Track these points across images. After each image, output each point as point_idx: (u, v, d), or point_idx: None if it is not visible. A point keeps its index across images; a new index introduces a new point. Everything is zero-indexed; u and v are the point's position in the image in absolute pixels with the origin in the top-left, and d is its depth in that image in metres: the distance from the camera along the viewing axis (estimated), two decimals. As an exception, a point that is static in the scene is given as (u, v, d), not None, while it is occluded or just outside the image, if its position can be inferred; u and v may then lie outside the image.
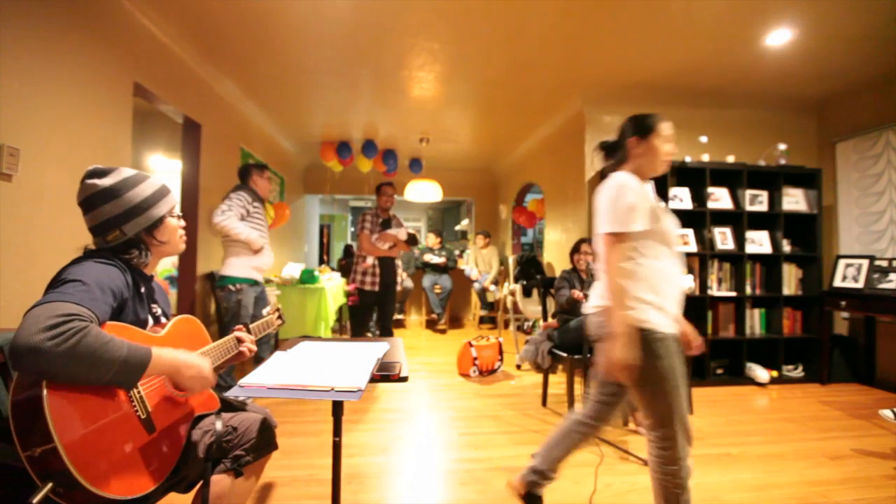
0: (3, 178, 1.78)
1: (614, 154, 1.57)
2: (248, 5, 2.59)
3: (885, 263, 3.30)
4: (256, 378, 1.13)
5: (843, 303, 3.39)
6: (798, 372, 3.70)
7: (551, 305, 3.20)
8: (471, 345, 3.77)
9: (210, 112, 3.54)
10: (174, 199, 1.20)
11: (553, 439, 1.62)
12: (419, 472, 2.08)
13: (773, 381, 3.56)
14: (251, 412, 1.28)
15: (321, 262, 9.10)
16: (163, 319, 1.20)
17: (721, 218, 3.70)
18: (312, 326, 3.98)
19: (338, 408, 1.18)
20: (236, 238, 2.88)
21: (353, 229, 10.82)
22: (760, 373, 3.53)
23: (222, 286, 2.93)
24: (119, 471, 0.89)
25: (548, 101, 4.13)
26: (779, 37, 2.88)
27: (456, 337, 5.54)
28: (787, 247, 3.73)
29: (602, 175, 3.90)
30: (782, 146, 3.79)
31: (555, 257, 4.88)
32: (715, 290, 3.61)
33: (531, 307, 4.61)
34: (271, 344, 3.07)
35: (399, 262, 3.82)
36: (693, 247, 3.61)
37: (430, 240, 6.38)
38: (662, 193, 3.54)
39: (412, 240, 3.79)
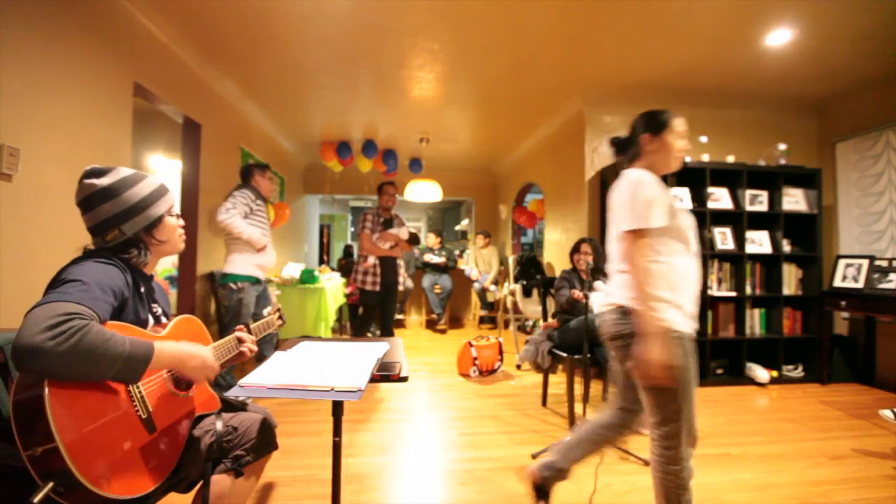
0: (3, 178, 1.78)
1: (626, 151, 1.55)
2: (248, 5, 2.59)
3: (885, 263, 3.30)
4: (256, 378, 1.13)
5: (843, 303, 3.39)
6: (798, 372, 3.70)
7: (551, 305, 3.20)
8: (471, 345, 3.77)
9: (210, 112, 3.54)
10: (172, 199, 1.21)
11: (575, 439, 1.61)
12: (419, 472, 2.08)
13: (773, 381, 3.56)
14: (251, 412, 1.28)
15: (321, 262, 9.10)
16: (163, 319, 1.20)
17: (721, 218, 3.70)
18: (312, 326, 3.99)
19: (338, 408, 1.18)
20: (239, 236, 2.89)
21: (353, 229, 10.82)
22: (760, 373, 3.53)
23: (224, 284, 2.94)
24: (120, 470, 0.89)
25: (548, 101, 4.13)
26: (779, 37, 2.88)
27: (456, 337, 5.54)
28: (787, 247, 3.73)
29: (602, 176, 3.91)
30: (782, 146, 3.79)
31: (555, 257, 4.89)
32: (715, 290, 3.61)
33: (531, 307, 4.61)
34: (274, 343, 3.07)
35: (401, 262, 3.80)
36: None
37: (430, 240, 6.38)
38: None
39: (414, 239, 3.79)
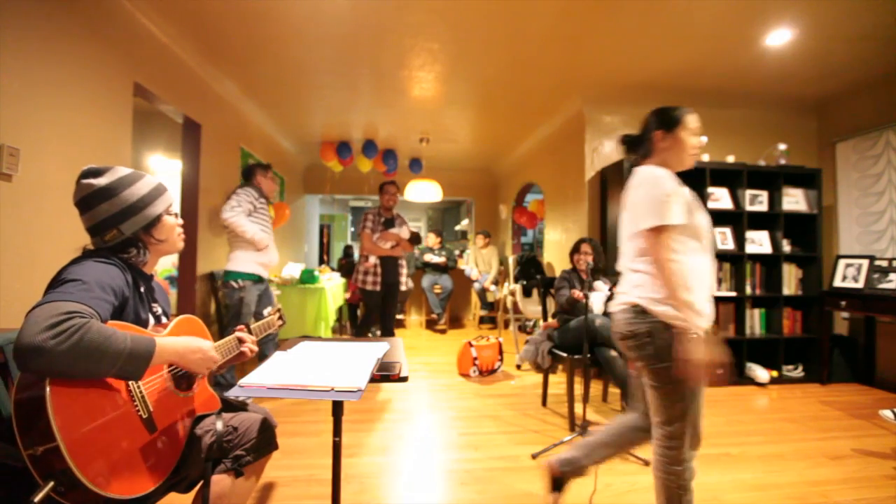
0: (3, 178, 1.78)
1: (637, 148, 1.52)
2: (248, 5, 2.59)
3: (885, 263, 3.30)
4: (256, 378, 1.13)
5: (843, 303, 3.39)
6: (798, 372, 3.70)
7: (551, 305, 3.20)
8: (471, 345, 3.77)
9: (210, 112, 3.54)
10: (171, 198, 1.21)
11: (600, 439, 1.58)
12: (419, 472, 2.09)
13: (773, 381, 3.56)
14: (251, 412, 1.28)
15: (321, 262, 9.10)
16: (163, 319, 1.20)
17: (721, 218, 3.70)
18: (312, 326, 3.99)
19: (338, 408, 1.18)
20: (242, 235, 2.90)
21: (353, 229, 10.82)
22: (760, 373, 3.53)
23: (226, 282, 2.95)
24: (120, 470, 0.89)
25: (548, 101, 4.13)
26: (779, 37, 2.88)
27: (456, 337, 5.54)
28: (787, 247, 3.73)
29: (602, 176, 3.91)
30: (782, 146, 3.79)
31: (555, 257, 4.89)
32: (715, 290, 3.61)
33: (531, 307, 4.61)
34: (276, 342, 3.08)
35: (403, 262, 3.78)
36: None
37: (430, 240, 6.38)
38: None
39: (415, 238, 3.78)
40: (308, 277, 4.15)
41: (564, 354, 2.69)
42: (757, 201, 3.71)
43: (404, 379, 1.30)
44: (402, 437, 2.46)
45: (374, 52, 3.19)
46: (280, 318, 1.63)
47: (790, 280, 3.72)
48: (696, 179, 3.65)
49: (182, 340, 1.04)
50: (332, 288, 4.40)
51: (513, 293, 4.78)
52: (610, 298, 2.90)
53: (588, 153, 3.97)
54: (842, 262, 3.55)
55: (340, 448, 1.20)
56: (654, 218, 1.29)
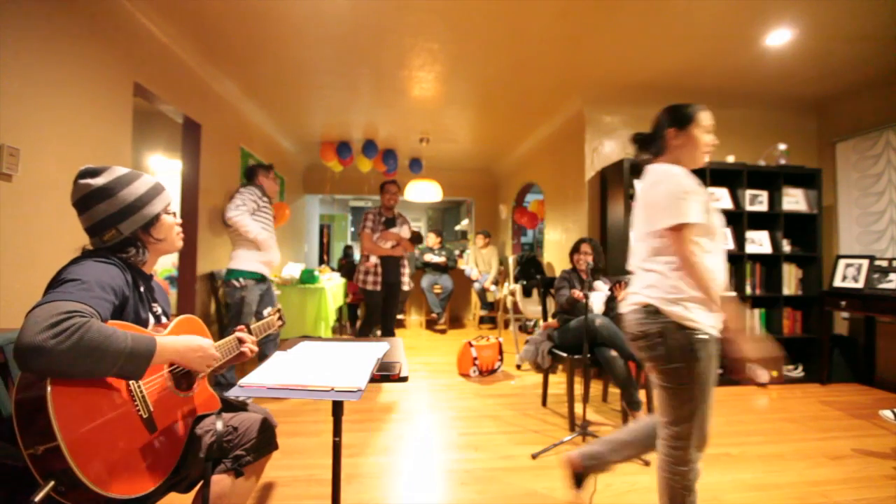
0: (3, 178, 1.78)
1: (649, 147, 1.50)
2: (248, 5, 2.59)
3: (885, 263, 3.30)
4: (256, 378, 1.13)
5: (843, 303, 3.39)
6: (798, 372, 3.70)
7: (551, 305, 3.21)
8: (471, 345, 3.77)
9: (210, 112, 3.54)
10: (169, 197, 1.20)
11: (628, 436, 1.56)
12: (419, 472, 2.09)
13: (773, 381, 3.56)
14: (251, 412, 1.28)
15: (321, 262, 9.10)
16: (163, 319, 1.20)
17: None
18: (312, 326, 3.99)
19: (338, 408, 1.18)
20: (246, 235, 2.91)
21: (353, 229, 10.82)
22: (760, 373, 3.53)
23: (227, 281, 2.96)
24: (121, 470, 0.89)
25: (548, 101, 4.13)
26: (779, 37, 2.88)
27: (456, 337, 5.54)
28: (787, 247, 3.73)
29: (602, 176, 3.91)
30: (782, 146, 3.79)
31: (555, 257, 4.89)
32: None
33: (531, 307, 4.61)
34: (277, 343, 3.08)
35: (405, 262, 3.78)
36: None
37: (430, 239, 6.38)
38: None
39: (416, 238, 3.77)
40: (308, 277, 4.15)
41: (564, 354, 2.69)
42: (757, 201, 3.71)
43: (404, 379, 1.29)
44: (402, 437, 2.46)
45: (374, 52, 3.19)
46: (280, 318, 1.63)
47: (790, 280, 3.72)
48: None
49: (182, 339, 1.04)
50: (332, 288, 4.40)
51: (513, 293, 4.78)
52: (610, 298, 2.90)
53: (588, 153, 3.97)
54: (842, 262, 3.55)
55: (340, 448, 1.20)
56: (675, 216, 1.27)
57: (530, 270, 4.66)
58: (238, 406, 1.31)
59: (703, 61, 3.25)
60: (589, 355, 2.60)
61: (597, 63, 3.30)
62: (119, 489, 0.87)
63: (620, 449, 1.56)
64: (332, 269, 5.61)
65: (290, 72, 3.55)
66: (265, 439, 1.23)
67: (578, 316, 2.66)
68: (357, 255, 5.50)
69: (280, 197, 5.50)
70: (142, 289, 1.13)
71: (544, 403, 3.00)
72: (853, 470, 2.13)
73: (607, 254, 3.67)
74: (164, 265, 4.35)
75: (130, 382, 0.96)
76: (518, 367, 4.01)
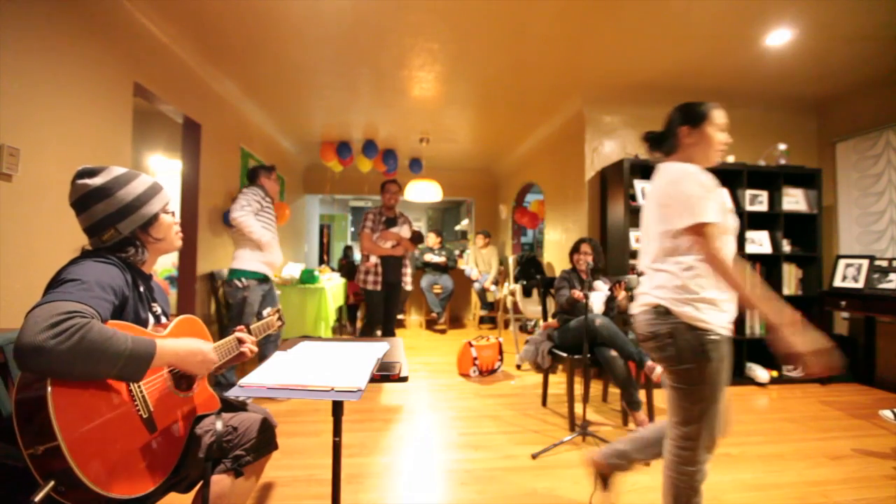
0: (3, 178, 1.78)
1: (661, 145, 1.49)
2: (248, 5, 2.59)
3: (885, 263, 3.31)
4: (256, 378, 1.13)
5: (843, 303, 3.39)
6: (798, 372, 3.70)
7: (551, 305, 3.20)
8: (471, 345, 3.77)
9: (210, 112, 3.54)
10: (167, 196, 1.20)
11: (654, 436, 1.53)
12: (419, 472, 2.09)
13: (773, 381, 3.56)
14: (251, 412, 1.28)
15: (321, 262, 9.10)
16: (163, 319, 1.20)
17: (721, 218, 3.70)
18: (312, 326, 3.98)
19: (338, 408, 1.18)
20: (249, 235, 2.92)
21: (353, 229, 10.82)
22: (760, 373, 3.53)
23: (229, 281, 2.97)
24: (121, 470, 0.89)
25: (548, 101, 4.13)
26: (779, 37, 2.88)
27: (456, 337, 5.54)
28: (787, 247, 3.73)
29: (602, 176, 3.91)
30: (782, 146, 3.79)
31: (555, 257, 4.89)
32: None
33: (531, 307, 4.61)
34: (277, 343, 3.08)
35: (407, 261, 3.77)
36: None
37: (430, 239, 6.38)
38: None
39: (417, 237, 3.77)
40: (308, 277, 4.15)
41: (564, 354, 2.69)
42: (757, 201, 3.71)
43: (404, 379, 1.29)
44: (402, 437, 2.46)
45: (374, 52, 3.19)
46: (279, 318, 1.63)
47: (790, 280, 3.72)
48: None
49: (182, 343, 1.04)
50: (332, 288, 4.40)
51: (513, 293, 4.78)
52: (610, 298, 2.90)
53: (588, 153, 3.97)
54: (842, 262, 3.55)
55: (340, 448, 1.20)
56: (693, 215, 1.24)
57: (530, 270, 4.66)
58: (238, 406, 1.31)
59: (702, 61, 3.25)
60: (589, 355, 2.60)
61: (597, 63, 3.30)
62: (119, 489, 0.87)
63: (645, 448, 1.54)
64: (332, 270, 5.60)
65: (290, 72, 3.55)
66: (265, 439, 1.23)
67: (578, 316, 2.66)
68: (357, 256, 5.50)
69: (280, 197, 5.51)
70: (141, 288, 1.13)
71: (544, 403, 3.00)
72: (853, 470, 2.13)
73: (607, 254, 3.67)
74: (164, 265, 4.35)
75: (130, 382, 0.96)
76: (518, 367, 4.01)
